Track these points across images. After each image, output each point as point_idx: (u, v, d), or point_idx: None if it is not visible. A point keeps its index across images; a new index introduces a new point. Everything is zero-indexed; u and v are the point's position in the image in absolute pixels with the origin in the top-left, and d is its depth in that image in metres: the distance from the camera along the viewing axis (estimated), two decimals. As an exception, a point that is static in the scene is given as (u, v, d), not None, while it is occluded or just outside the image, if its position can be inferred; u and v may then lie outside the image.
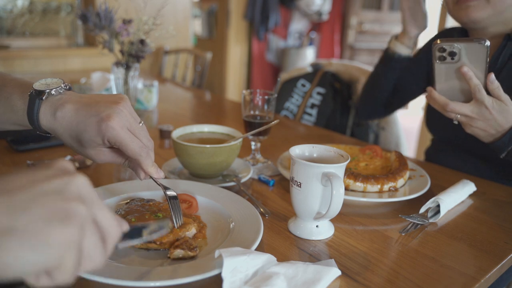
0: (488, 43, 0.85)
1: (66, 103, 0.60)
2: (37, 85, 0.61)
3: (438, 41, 0.88)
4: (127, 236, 0.43)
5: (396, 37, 1.25)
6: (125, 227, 0.41)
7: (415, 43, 1.25)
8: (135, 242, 0.45)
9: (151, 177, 0.66)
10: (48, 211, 0.31)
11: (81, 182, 0.35)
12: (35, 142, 1.05)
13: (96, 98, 0.61)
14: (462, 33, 1.13)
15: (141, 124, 0.63)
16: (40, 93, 0.60)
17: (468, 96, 0.91)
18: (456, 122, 0.93)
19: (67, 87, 0.63)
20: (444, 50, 0.89)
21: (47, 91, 0.60)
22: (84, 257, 0.33)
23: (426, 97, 0.97)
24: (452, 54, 0.89)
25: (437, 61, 0.91)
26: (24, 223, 0.29)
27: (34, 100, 0.60)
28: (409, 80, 1.27)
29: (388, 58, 1.26)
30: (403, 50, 1.23)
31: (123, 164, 0.67)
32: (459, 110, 0.90)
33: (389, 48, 1.27)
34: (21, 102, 0.61)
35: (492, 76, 0.87)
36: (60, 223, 0.31)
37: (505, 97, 0.88)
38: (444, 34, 1.23)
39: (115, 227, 0.36)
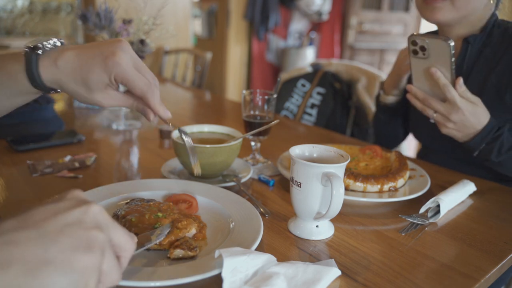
0: (452, 42, 0.88)
1: (65, 51, 0.59)
2: (30, 43, 0.59)
3: (413, 34, 0.93)
4: (137, 244, 0.48)
5: (383, 86, 1.22)
6: (135, 239, 0.43)
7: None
8: (146, 247, 0.51)
9: (159, 117, 0.66)
10: (73, 241, 0.34)
11: (96, 210, 0.38)
12: (35, 142, 1.05)
13: (95, 43, 0.61)
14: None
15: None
16: (35, 49, 0.58)
17: (443, 97, 0.94)
18: (432, 121, 0.97)
19: (61, 42, 0.62)
20: (416, 43, 0.93)
21: (42, 45, 0.58)
22: (104, 276, 0.37)
23: (407, 95, 1.01)
24: (423, 49, 0.93)
25: (411, 54, 0.95)
26: (55, 253, 0.33)
27: (30, 57, 0.58)
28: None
29: (383, 108, 1.25)
30: (395, 98, 1.21)
31: (131, 107, 0.65)
32: (435, 105, 0.93)
33: (380, 100, 1.25)
34: (18, 65, 0.59)
35: (461, 80, 0.92)
36: (84, 251, 0.34)
37: (475, 98, 0.93)
38: None
39: (129, 243, 0.40)
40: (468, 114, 0.91)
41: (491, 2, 1.00)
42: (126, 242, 0.40)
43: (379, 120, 1.31)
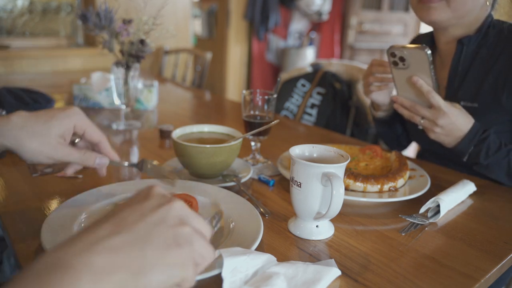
0: (429, 51, 0.91)
1: (11, 116, 0.64)
2: None
3: (391, 46, 0.95)
4: None
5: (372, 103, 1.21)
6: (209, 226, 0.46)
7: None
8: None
9: (111, 160, 0.74)
10: (163, 240, 0.38)
11: (178, 206, 0.41)
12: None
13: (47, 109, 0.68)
14: (432, 38, 1.13)
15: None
16: None
17: (429, 103, 0.96)
18: (420, 127, 0.98)
19: (3, 112, 0.69)
20: (395, 55, 0.96)
21: None
22: (200, 259, 0.40)
23: (394, 106, 1.02)
24: (402, 60, 0.95)
25: (392, 65, 0.98)
26: (151, 254, 0.36)
27: None
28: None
29: (379, 121, 1.24)
30: (386, 113, 1.20)
31: (80, 159, 0.69)
32: (422, 112, 0.95)
33: (373, 115, 1.23)
34: None
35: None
36: (175, 247, 0.38)
37: (457, 106, 0.94)
38: (416, 40, 1.24)
39: (207, 226, 0.43)
40: (454, 117, 0.92)
41: (487, 3, 0.99)
42: (205, 227, 0.43)
43: (379, 132, 1.31)
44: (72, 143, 0.72)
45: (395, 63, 0.97)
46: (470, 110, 1.02)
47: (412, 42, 1.25)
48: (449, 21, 0.99)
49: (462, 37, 1.04)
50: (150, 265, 0.36)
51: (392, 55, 0.96)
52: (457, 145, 0.96)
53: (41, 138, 0.64)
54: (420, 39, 1.19)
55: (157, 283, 0.36)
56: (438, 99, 0.92)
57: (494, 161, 0.95)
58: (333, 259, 0.62)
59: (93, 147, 0.73)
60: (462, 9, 0.96)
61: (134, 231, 0.37)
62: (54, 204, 0.77)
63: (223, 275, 0.53)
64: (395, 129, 1.26)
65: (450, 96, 1.08)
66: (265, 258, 0.58)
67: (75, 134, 0.70)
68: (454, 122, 0.92)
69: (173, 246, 0.38)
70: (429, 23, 1.03)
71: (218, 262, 0.56)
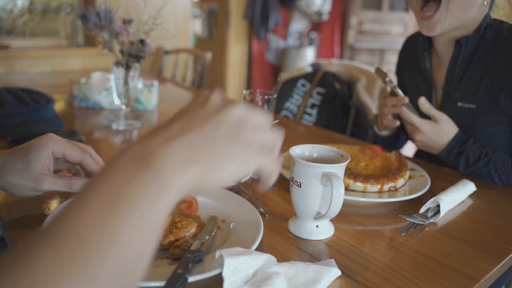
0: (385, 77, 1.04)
1: None
2: None
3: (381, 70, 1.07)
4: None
5: (376, 120, 1.21)
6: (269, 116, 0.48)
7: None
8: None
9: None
10: (227, 136, 0.40)
11: (237, 109, 0.42)
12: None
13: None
14: (429, 39, 1.13)
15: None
16: None
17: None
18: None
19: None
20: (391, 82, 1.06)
21: None
22: (268, 146, 0.44)
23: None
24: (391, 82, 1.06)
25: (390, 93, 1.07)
26: (219, 148, 0.40)
27: None
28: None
29: (383, 137, 1.23)
30: (390, 131, 1.19)
31: (66, 186, 0.70)
32: (408, 118, 1.01)
33: (376, 132, 1.23)
34: None
35: (422, 99, 0.99)
36: (239, 143, 0.41)
37: (439, 116, 0.99)
38: (411, 39, 1.25)
39: (267, 119, 0.45)
40: (430, 134, 0.99)
41: (485, 3, 0.99)
42: (266, 121, 0.45)
43: (380, 142, 1.29)
44: (69, 167, 0.73)
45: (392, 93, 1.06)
46: (468, 111, 1.02)
47: (408, 41, 1.27)
48: (450, 27, 1.00)
49: (459, 37, 1.04)
50: (219, 158, 0.39)
51: (390, 81, 1.05)
52: (439, 155, 1.02)
53: (22, 173, 0.65)
54: (417, 38, 1.18)
55: (231, 172, 0.40)
56: (413, 119, 0.99)
57: (475, 170, 0.98)
58: (333, 259, 0.62)
59: (79, 166, 0.73)
60: (461, 12, 0.97)
61: (202, 130, 0.40)
62: (54, 204, 0.77)
63: (224, 274, 0.53)
64: (396, 137, 1.26)
65: (447, 97, 1.08)
66: (265, 258, 0.58)
67: (57, 159, 0.71)
68: (429, 137, 0.99)
69: (236, 142, 0.41)
70: (433, 35, 1.05)
71: (218, 262, 0.56)
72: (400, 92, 1.04)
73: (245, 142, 0.41)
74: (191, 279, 0.54)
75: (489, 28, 1.02)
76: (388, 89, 1.05)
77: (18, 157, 0.66)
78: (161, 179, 0.35)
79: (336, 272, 0.58)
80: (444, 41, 1.07)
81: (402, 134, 1.25)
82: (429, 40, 1.13)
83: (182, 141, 0.38)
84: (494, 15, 1.05)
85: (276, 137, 0.46)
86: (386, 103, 1.07)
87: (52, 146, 0.68)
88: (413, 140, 1.06)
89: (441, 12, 0.97)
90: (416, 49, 1.17)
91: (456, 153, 0.99)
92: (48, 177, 0.67)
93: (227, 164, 0.40)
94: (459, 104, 1.04)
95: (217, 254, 0.57)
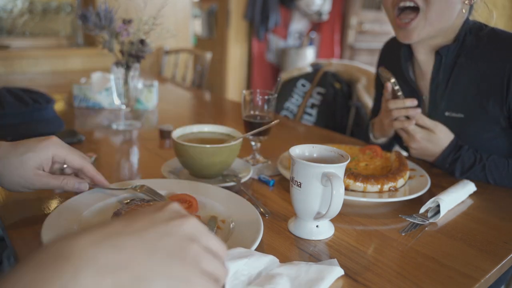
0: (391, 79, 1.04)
1: None
2: None
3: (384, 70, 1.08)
4: None
5: (372, 127, 1.21)
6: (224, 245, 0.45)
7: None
8: None
9: (98, 184, 0.76)
10: (170, 251, 0.37)
11: (191, 223, 0.40)
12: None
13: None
14: (407, 47, 1.11)
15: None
16: None
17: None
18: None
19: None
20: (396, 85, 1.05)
21: None
22: (213, 276, 0.39)
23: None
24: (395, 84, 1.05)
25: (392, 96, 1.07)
26: (156, 261, 0.36)
27: None
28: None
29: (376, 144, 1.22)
30: (386, 138, 1.19)
31: (61, 185, 0.71)
32: (401, 134, 1.02)
33: (371, 139, 1.22)
34: None
35: (415, 107, 0.99)
36: (180, 261, 0.37)
37: (432, 125, 0.99)
38: (390, 45, 1.24)
39: (221, 245, 0.42)
40: (425, 142, 0.99)
41: (463, 11, 0.97)
42: (219, 246, 0.42)
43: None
44: (61, 170, 0.74)
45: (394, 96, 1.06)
46: (456, 121, 1.01)
47: (387, 46, 1.27)
48: (429, 36, 0.99)
49: (439, 47, 1.02)
50: (152, 272, 0.35)
51: (394, 84, 1.04)
52: (434, 162, 1.03)
53: (17, 171, 0.66)
54: (399, 47, 1.13)
55: None
56: (409, 128, 0.99)
57: (471, 176, 0.97)
58: (335, 259, 0.62)
59: (78, 172, 0.75)
60: (439, 21, 0.96)
61: (143, 235, 0.37)
62: (54, 204, 0.77)
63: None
64: (391, 144, 1.26)
65: (433, 106, 1.07)
66: (268, 259, 0.57)
67: (56, 163, 0.72)
68: (424, 146, 1.00)
69: (178, 259, 0.37)
70: (410, 43, 1.03)
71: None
72: (402, 95, 1.03)
73: (189, 262, 0.38)
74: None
75: (469, 34, 1.01)
76: (389, 89, 1.04)
77: (17, 153, 0.66)
78: (77, 282, 0.32)
79: (339, 271, 0.58)
80: (424, 51, 1.06)
81: (393, 142, 1.25)
82: (410, 49, 1.10)
83: (117, 242, 0.35)
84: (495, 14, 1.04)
85: (225, 271, 0.41)
86: (390, 107, 1.02)
87: (55, 151, 0.69)
88: (407, 149, 1.06)
89: (419, 20, 0.95)
90: (398, 58, 1.14)
91: (451, 160, 0.98)
92: (41, 177, 0.68)
93: (159, 279, 0.35)
94: (447, 113, 1.04)
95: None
